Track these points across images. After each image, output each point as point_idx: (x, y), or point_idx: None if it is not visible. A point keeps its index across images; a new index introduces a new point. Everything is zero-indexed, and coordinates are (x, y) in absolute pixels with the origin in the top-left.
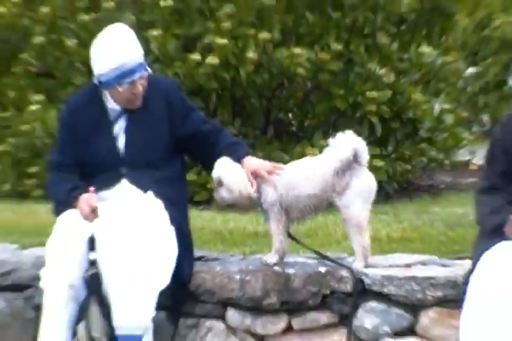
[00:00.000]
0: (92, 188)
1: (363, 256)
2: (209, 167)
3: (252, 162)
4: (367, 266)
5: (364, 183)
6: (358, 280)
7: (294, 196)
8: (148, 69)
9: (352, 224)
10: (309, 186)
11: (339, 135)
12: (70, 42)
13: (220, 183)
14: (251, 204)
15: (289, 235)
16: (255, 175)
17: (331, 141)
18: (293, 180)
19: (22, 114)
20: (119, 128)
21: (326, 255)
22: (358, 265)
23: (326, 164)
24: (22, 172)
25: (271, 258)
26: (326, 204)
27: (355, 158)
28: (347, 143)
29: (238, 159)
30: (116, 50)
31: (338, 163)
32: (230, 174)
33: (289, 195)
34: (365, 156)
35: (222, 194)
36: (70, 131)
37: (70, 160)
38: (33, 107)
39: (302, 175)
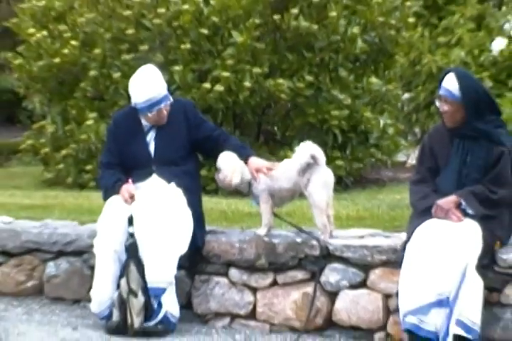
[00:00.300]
0: (130, 180)
1: (324, 229)
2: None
3: (256, 161)
4: (331, 237)
5: (322, 178)
6: (325, 248)
7: (276, 187)
8: (171, 98)
9: (314, 206)
10: (285, 181)
11: (301, 144)
12: (116, 75)
13: (219, 170)
14: (231, 189)
15: (274, 214)
16: (257, 171)
17: (296, 148)
18: (275, 176)
19: (81, 127)
20: (150, 137)
21: (301, 228)
22: (323, 236)
23: (293, 166)
24: (81, 169)
25: (261, 231)
26: (298, 193)
27: (315, 160)
28: (305, 150)
29: (246, 158)
30: (147, 86)
31: (299, 165)
32: (226, 164)
33: (273, 186)
34: (321, 158)
35: (218, 177)
36: (115, 138)
37: (115, 161)
38: (89, 122)
39: (280, 172)
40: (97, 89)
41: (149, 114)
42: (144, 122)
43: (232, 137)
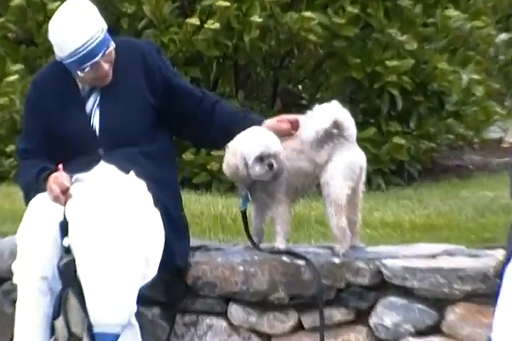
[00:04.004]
0: (60, 166)
1: (341, 237)
2: (205, 144)
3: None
4: (352, 248)
5: (347, 159)
6: (376, 273)
7: (292, 169)
8: (112, 42)
9: (329, 201)
10: (296, 158)
11: (323, 105)
12: (53, 5)
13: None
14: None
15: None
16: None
17: (309, 112)
18: (286, 152)
19: None
20: (92, 105)
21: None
22: (339, 250)
23: (305, 133)
24: None
25: (281, 243)
26: (316, 181)
27: (340, 131)
28: (326, 113)
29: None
30: (70, 30)
31: (314, 132)
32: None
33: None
34: (351, 130)
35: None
36: (37, 111)
37: (38, 146)
38: (12, 78)
39: (294, 145)
40: (23, 27)
41: (81, 73)
42: (80, 83)
43: (220, 101)
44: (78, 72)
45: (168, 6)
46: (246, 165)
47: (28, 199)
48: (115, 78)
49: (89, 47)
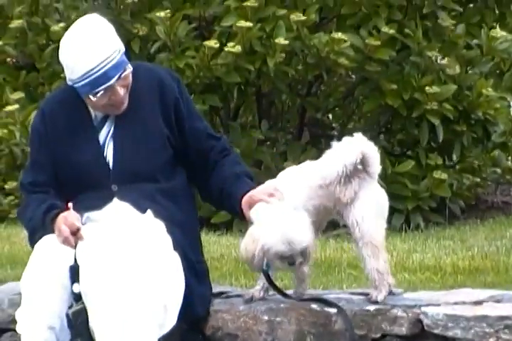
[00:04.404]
0: (69, 204)
1: (379, 283)
2: (205, 195)
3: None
4: (390, 294)
5: (376, 196)
6: (415, 321)
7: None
8: (129, 65)
9: (364, 242)
10: (316, 195)
11: (346, 138)
12: (57, 27)
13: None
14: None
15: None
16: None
17: (335, 143)
18: (303, 189)
19: None
20: (106, 134)
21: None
22: (376, 296)
23: (329, 168)
24: None
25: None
26: (328, 218)
27: (364, 167)
28: (354, 146)
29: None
30: (82, 52)
31: (342, 167)
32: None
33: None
34: (376, 165)
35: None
36: (45, 141)
37: (46, 178)
38: (11, 107)
39: (309, 184)
40: (23, 51)
41: (93, 98)
42: (93, 110)
43: (232, 153)
44: (91, 97)
45: (184, 27)
46: (263, 258)
47: (32, 239)
48: (130, 106)
49: (104, 69)
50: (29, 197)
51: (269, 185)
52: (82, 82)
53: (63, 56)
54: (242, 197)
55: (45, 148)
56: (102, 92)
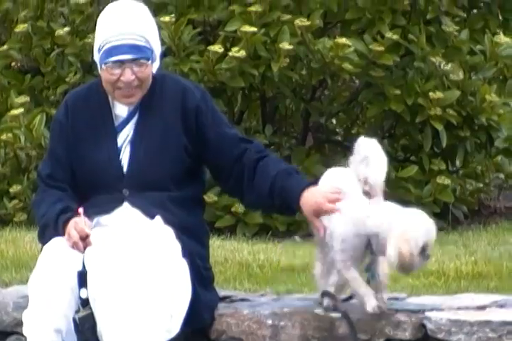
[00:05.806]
0: (80, 209)
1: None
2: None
3: (313, 192)
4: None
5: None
6: (418, 326)
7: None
8: (157, 61)
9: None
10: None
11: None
12: (62, 31)
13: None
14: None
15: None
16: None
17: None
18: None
19: (1, 119)
20: (125, 137)
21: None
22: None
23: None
24: (2, 192)
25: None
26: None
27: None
28: (378, 157)
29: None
30: (111, 22)
31: (380, 178)
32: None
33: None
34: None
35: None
36: (65, 135)
37: (63, 174)
38: (16, 111)
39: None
40: (28, 55)
41: (104, 66)
42: (116, 110)
43: (270, 158)
44: (103, 67)
45: (189, 32)
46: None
47: (42, 234)
48: (153, 113)
49: (127, 42)
50: (46, 190)
51: (329, 187)
52: (105, 47)
53: (103, 19)
54: (301, 193)
55: (65, 140)
56: (110, 65)
